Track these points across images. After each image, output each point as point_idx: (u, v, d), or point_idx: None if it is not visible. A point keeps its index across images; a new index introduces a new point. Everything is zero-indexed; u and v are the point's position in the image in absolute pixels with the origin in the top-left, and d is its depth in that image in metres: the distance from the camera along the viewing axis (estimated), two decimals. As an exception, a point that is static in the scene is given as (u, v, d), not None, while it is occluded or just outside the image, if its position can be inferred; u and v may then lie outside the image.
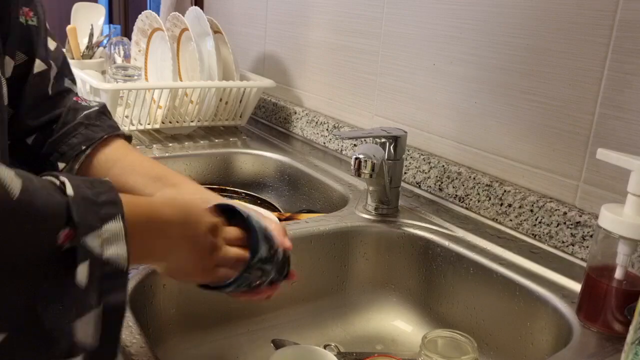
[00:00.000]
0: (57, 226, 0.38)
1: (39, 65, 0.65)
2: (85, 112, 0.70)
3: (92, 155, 0.68)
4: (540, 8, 0.82)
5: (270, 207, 1.08)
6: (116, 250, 0.41)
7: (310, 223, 0.85)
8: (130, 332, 0.57)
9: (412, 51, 1.03)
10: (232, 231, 0.56)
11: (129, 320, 0.59)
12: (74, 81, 0.73)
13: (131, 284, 0.66)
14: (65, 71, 0.71)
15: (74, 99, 0.71)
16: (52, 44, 0.69)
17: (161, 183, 0.68)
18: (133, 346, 0.55)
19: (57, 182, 0.41)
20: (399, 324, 0.86)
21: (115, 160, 0.69)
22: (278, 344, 0.74)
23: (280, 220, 0.99)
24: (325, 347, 0.79)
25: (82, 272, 0.38)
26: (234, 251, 0.55)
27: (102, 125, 0.70)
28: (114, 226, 0.41)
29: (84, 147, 0.67)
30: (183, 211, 0.51)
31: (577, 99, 0.78)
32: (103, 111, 0.72)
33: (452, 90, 0.96)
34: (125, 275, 0.41)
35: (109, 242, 0.40)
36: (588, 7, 0.76)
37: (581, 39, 0.77)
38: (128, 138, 0.74)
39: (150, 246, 0.48)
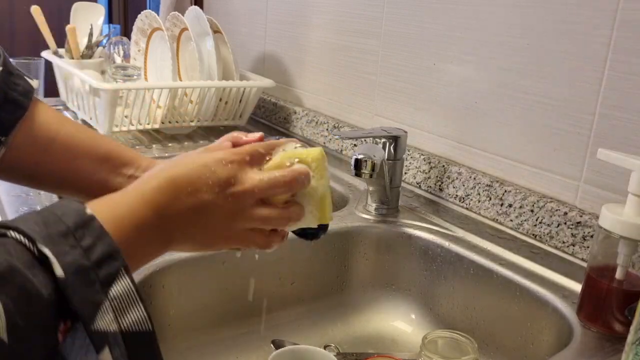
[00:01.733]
0: (55, 322, 0.34)
1: None
2: None
3: (14, 144, 0.55)
4: (540, 8, 0.81)
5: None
6: (134, 317, 0.36)
7: (310, 223, 0.85)
8: (130, 333, 0.57)
9: (412, 51, 1.03)
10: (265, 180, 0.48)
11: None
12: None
13: (131, 285, 0.66)
14: None
15: None
16: None
17: (111, 164, 0.58)
18: (133, 347, 0.55)
19: (36, 253, 0.35)
20: (399, 324, 0.86)
21: (47, 139, 0.56)
22: (278, 345, 0.74)
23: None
24: (325, 347, 0.79)
25: (106, 359, 0.35)
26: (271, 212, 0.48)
27: (16, 98, 0.55)
28: (121, 287, 0.36)
29: (2, 138, 0.54)
30: (164, 198, 0.45)
31: (577, 99, 0.78)
32: (9, 69, 0.56)
33: (452, 90, 0.96)
34: (152, 335, 0.37)
35: (122, 311, 0.36)
36: (588, 7, 0.76)
37: (581, 39, 0.77)
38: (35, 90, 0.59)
39: (146, 250, 0.44)
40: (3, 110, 0.54)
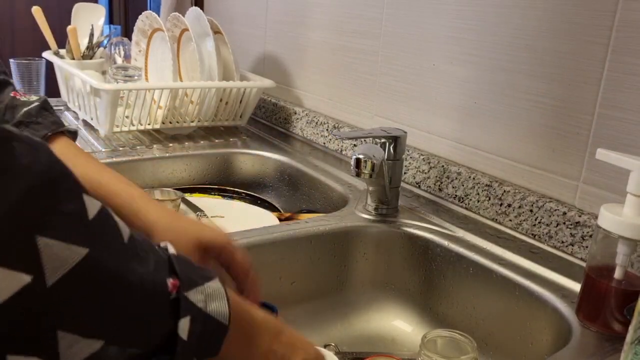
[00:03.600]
0: (165, 271, 0.38)
1: None
2: (25, 109, 0.63)
3: None
4: (540, 8, 0.82)
5: (270, 207, 1.08)
6: (219, 307, 0.40)
7: (310, 223, 0.85)
8: (130, 332, 0.57)
9: (412, 51, 1.03)
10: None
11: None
12: (7, 74, 0.67)
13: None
14: None
15: (11, 94, 0.65)
16: None
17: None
18: (133, 346, 0.55)
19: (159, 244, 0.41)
20: (398, 323, 0.86)
21: None
22: None
23: (280, 220, 0.99)
24: (325, 347, 0.79)
25: (183, 327, 0.37)
26: None
27: (44, 122, 0.64)
28: (215, 285, 0.41)
29: None
30: (277, 326, 0.48)
31: (577, 99, 0.78)
32: (44, 106, 0.65)
33: (452, 90, 0.96)
34: (225, 330, 0.40)
35: (212, 298, 0.40)
36: (588, 7, 0.76)
37: (581, 39, 0.77)
38: (73, 134, 0.68)
39: (244, 343, 0.44)
40: (30, 127, 0.62)
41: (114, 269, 0.34)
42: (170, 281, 0.38)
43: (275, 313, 0.60)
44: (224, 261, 0.59)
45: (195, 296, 0.39)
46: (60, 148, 0.63)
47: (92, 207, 0.34)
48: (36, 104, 0.64)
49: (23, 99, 0.65)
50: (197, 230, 0.58)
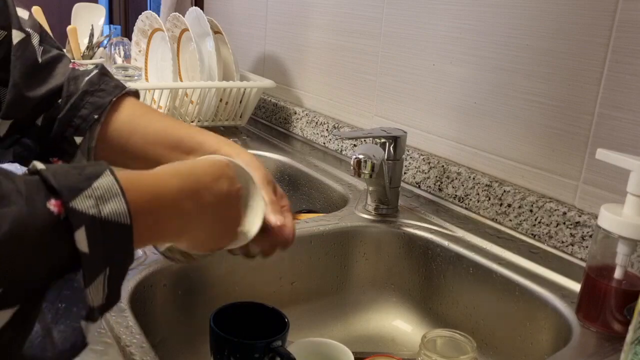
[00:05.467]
0: (40, 197, 0.35)
1: (17, 35, 0.61)
2: (86, 77, 0.65)
3: (106, 123, 0.64)
4: (540, 8, 0.82)
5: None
6: (114, 207, 0.37)
7: (310, 223, 0.85)
8: (130, 332, 0.57)
9: (412, 51, 1.03)
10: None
11: (129, 320, 0.59)
12: (60, 48, 0.69)
13: (131, 284, 0.66)
14: (48, 39, 0.66)
15: (70, 66, 0.66)
16: (24, 13, 0.65)
17: (180, 150, 0.63)
18: (133, 346, 0.55)
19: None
20: (398, 324, 0.86)
21: (131, 127, 0.65)
22: None
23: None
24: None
25: (81, 239, 0.35)
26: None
27: (106, 88, 0.66)
28: (105, 181, 0.37)
29: (96, 116, 0.63)
30: (191, 177, 0.47)
31: (577, 99, 0.78)
32: (104, 72, 0.67)
33: (452, 90, 0.96)
34: (129, 230, 0.37)
35: (104, 199, 0.36)
36: (588, 7, 0.76)
37: (581, 39, 0.77)
38: (135, 94, 0.70)
39: (161, 226, 0.43)
40: (95, 95, 0.64)
41: None
42: (52, 203, 0.35)
43: (286, 325, 0.61)
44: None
45: (83, 203, 0.35)
46: (129, 108, 0.66)
47: None
48: (95, 71, 0.66)
49: (82, 68, 0.67)
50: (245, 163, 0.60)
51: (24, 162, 0.64)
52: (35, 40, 0.63)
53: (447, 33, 0.96)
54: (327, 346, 0.63)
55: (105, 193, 0.37)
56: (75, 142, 0.63)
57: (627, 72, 0.73)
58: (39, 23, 0.67)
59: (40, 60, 0.64)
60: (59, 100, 0.64)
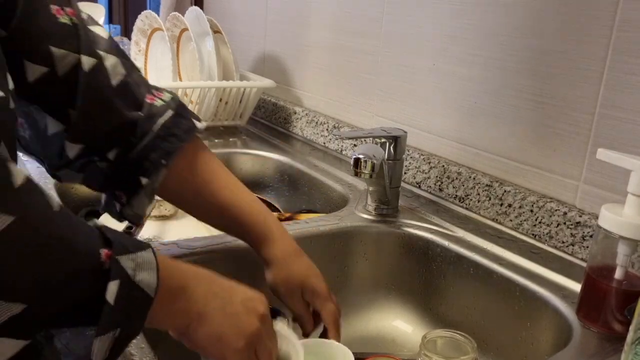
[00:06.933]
0: (97, 242, 0.39)
1: (87, 61, 0.57)
2: (160, 120, 0.63)
3: (173, 168, 0.65)
4: (540, 8, 0.82)
5: (271, 207, 1.08)
6: (147, 277, 0.40)
7: (310, 223, 0.85)
8: (130, 333, 0.57)
9: (412, 51, 1.03)
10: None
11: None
12: (137, 69, 0.68)
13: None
14: (124, 60, 0.63)
15: (147, 99, 0.64)
16: (104, 33, 0.61)
17: (249, 238, 0.68)
18: (133, 346, 0.55)
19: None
20: (399, 324, 0.86)
21: (192, 175, 0.67)
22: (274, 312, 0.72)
23: (280, 220, 0.99)
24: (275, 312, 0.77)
25: (112, 291, 0.38)
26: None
27: (178, 133, 0.65)
28: (147, 255, 0.41)
29: (164, 162, 0.63)
30: (211, 274, 0.51)
31: (577, 99, 0.78)
32: (179, 112, 0.66)
33: (452, 90, 0.96)
34: (150, 304, 0.41)
35: (141, 267, 0.40)
36: (588, 7, 0.76)
37: (581, 39, 0.77)
38: (200, 132, 0.69)
39: (173, 310, 0.47)
40: (167, 141, 0.64)
41: (44, 235, 0.36)
42: (104, 251, 0.39)
43: (284, 317, 0.61)
44: (316, 306, 0.66)
45: (125, 262, 0.39)
46: (192, 156, 0.67)
47: (19, 175, 0.35)
48: (170, 113, 0.65)
49: (158, 103, 0.65)
50: (304, 276, 0.66)
51: (91, 187, 0.65)
52: (109, 62, 0.60)
53: (448, 33, 0.96)
54: (327, 346, 0.62)
55: (145, 264, 0.41)
56: (141, 182, 0.63)
57: (627, 72, 0.73)
58: (116, 43, 0.63)
59: (113, 84, 0.60)
60: (132, 137, 0.63)
